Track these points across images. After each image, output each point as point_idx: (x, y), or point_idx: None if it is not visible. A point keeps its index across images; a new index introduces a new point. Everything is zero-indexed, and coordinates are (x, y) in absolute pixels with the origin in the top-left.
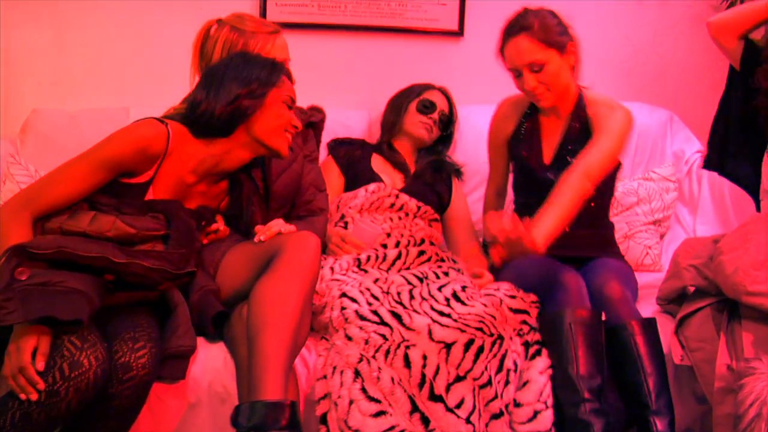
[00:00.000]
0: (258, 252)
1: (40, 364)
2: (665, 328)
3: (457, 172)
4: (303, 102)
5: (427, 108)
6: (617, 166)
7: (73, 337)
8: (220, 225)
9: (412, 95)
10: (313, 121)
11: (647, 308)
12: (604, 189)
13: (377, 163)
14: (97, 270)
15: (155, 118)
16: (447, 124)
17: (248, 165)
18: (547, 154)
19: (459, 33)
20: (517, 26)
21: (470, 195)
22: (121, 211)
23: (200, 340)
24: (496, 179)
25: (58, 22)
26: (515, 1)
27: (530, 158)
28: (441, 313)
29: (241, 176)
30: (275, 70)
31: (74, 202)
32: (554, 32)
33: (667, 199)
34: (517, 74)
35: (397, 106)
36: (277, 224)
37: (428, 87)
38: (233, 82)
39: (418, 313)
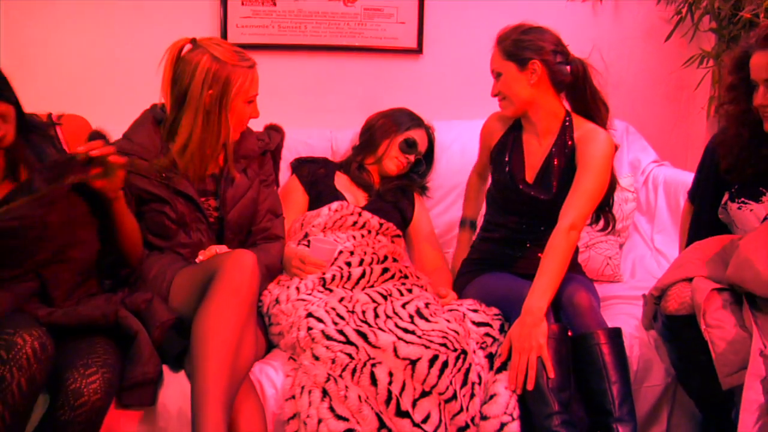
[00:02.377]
0: (198, 275)
1: None
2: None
3: (421, 189)
4: (265, 121)
5: (409, 148)
6: (611, 188)
7: (4, 329)
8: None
9: (401, 128)
10: (268, 150)
11: (609, 320)
12: None
13: (340, 181)
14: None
15: None
16: (416, 165)
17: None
18: (530, 174)
19: (418, 50)
20: (499, 36)
21: (434, 209)
22: None
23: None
24: (480, 165)
25: (22, 46)
26: (472, 20)
27: (513, 173)
28: (405, 330)
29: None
30: None
31: None
32: (518, 47)
33: (626, 209)
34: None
35: (383, 133)
36: (216, 247)
37: (417, 123)
38: None
39: (384, 330)
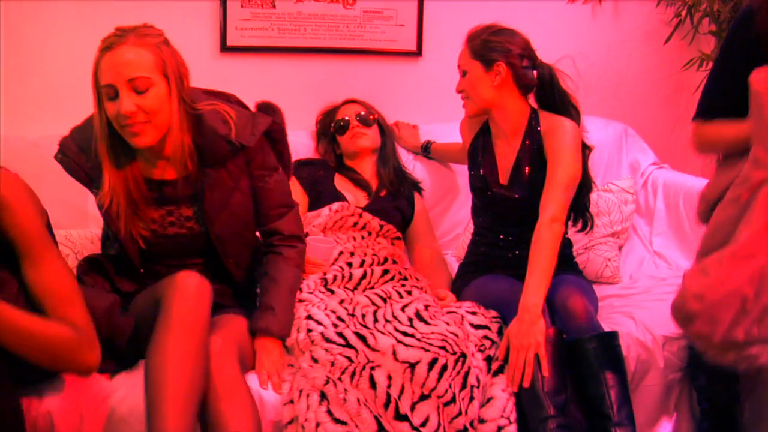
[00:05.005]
0: (148, 301)
1: None
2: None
3: (417, 188)
4: None
5: (344, 127)
6: (586, 189)
7: None
8: None
9: (326, 126)
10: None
11: (607, 321)
12: None
13: (340, 182)
14: None
15: None
16: (367, 120)
17: None
18: (503, 176)
19: (417, 53)
20: (469, 35)
21: (433, 209)
22: None
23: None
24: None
25: (18, 48)
26: (472, 22)
27: (486, 177)
28: (405, 334)
29: None
30: None
31: None
32: (486, 48)
33: (625, 211)
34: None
35: (326, 140)
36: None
37: (334, 109)
38: None
39: (383, 333)
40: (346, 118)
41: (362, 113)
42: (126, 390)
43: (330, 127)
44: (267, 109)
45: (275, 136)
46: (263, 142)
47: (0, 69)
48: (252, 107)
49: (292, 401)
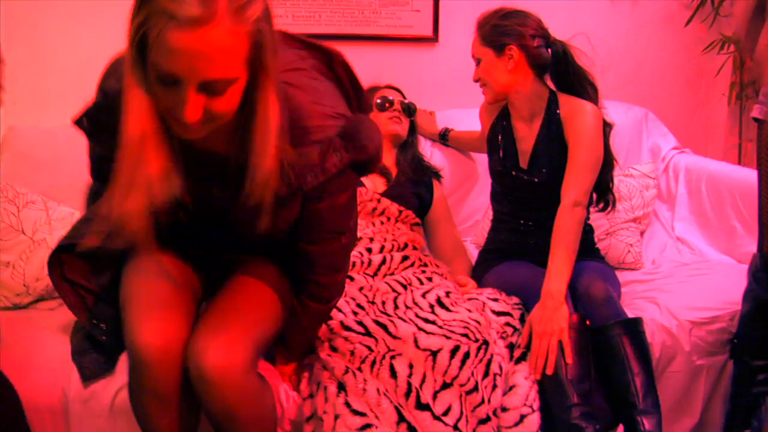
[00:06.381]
0: None
1: None
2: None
3: (437, 175)
4: None
5: (388, 105)
6: (609, 167)
7: None
8: None
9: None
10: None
11: (630, 307)
12: None
13: None
14: None
15: None
16: (410, 110)
17: None
18: (523, 159)
19: (434, 39)
20: (479, 22)
21: (451, 196)
22: None
23: None
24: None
25: (34, 38)
26: (488, 6)
27: (505, 161)
28: (426, 321)
29: None
30: None
31: None
32: (495, 33)
33: (647, 196)
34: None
35: None
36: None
37: (375, 89)
38: None
39: (404, 320)
40: (391, 98)
41: (405, 102)
42: None
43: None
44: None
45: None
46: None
47: (16, 60)
48: None
49: (311, 395)
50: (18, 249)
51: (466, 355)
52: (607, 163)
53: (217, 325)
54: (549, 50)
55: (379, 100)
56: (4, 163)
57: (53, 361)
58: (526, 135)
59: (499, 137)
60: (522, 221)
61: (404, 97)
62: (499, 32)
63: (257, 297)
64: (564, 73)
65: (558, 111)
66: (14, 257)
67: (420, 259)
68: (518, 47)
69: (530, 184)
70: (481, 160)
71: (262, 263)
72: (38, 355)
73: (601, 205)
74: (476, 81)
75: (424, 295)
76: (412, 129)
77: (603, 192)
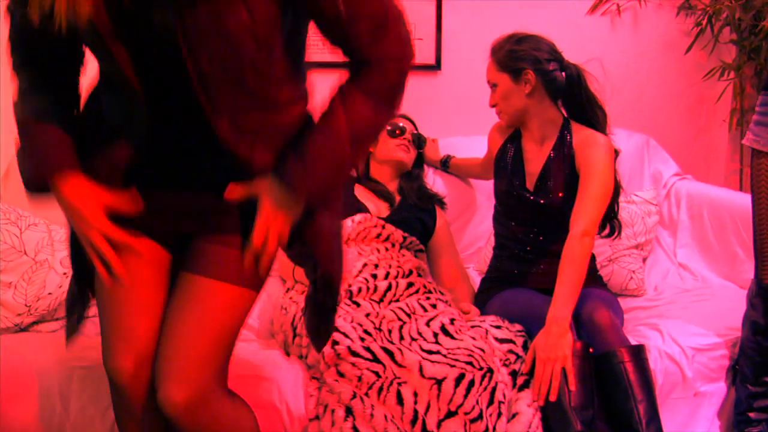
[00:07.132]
0: None
1: None
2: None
3: (440, 202)
4: None
5: (400, 132)
6: (615, 194)
7: None
8: None
9: None
10: None
11: (633, 333)
12: None
13: (361, 192)
14: None
15: None
16: (420, 142)
17: None
18: (530, 180)
19: (436, 66)
20: (493, 47)
21: (453, 223)
22: None
23: None
24: (483, 160)
25: None
26: (491, 35)
27: (513, 181)
28: (430, 352)
29: None
30: None
31: None
32: (511, 58)
33: (649, 222)
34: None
35: None
36: None
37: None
38: None
39: (410, 349)
40: (403, 125)
41: (416, 133)
42: None
43: None
44: None
45: None
46: None
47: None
48: None
49: (317, 417)
50: (20, 270)
51: (471, 384)
52: (614, 190)
53: (172, 355)
54: (563, 74)
55: (390, 127)
56: (11, 190)
57: (50, 388)
58: (536, 157)
59: (508, 157)
60: (526, 247)
61: (416, 129)
62: (515, 57)
63: (216, 303)
64: (577, 96)
65: (570, 137)
66: (16, 278)
67: (425, 286)
68: (534, 71)
69: (535, 206)
70: (483, 187)
71: (225, 249)
72: (34, 382)
73: (606, 231)
74: (493, 106)
75: (428, 323)
76: (420, 161)
77: (609, 218)
